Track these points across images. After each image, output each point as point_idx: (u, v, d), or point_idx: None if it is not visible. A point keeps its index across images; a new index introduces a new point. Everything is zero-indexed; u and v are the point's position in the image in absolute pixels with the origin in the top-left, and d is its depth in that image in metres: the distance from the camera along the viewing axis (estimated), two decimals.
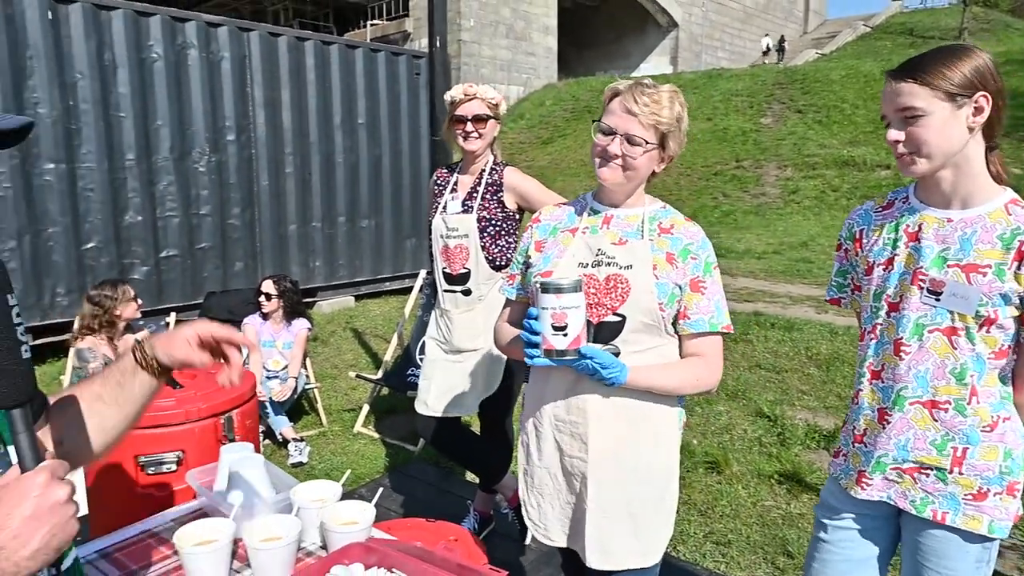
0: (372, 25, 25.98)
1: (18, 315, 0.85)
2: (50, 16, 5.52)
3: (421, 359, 4.47)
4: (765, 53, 31.50)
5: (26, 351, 0.85)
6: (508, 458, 2.95)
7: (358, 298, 8.05)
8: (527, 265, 1.78)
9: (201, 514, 1.63)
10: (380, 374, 4.65)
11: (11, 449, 0.88)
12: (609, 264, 1.64)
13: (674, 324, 1.66)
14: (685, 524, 3.24)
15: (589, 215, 1.74)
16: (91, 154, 5.85)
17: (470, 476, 3.75)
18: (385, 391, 4.75)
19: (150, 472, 2.19)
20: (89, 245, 5.92)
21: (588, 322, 1.58)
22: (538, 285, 1.48)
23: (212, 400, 2.36)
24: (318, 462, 4.03)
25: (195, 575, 1.33)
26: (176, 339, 1.08)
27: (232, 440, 2.29)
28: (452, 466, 3.91)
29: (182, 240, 6.48)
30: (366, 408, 4.56)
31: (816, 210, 13.04)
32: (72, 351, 3.75)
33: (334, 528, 1.43)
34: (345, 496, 1.61)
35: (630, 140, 1.59)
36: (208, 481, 1.68)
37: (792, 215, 12.98)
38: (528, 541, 2.99)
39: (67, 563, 0.92)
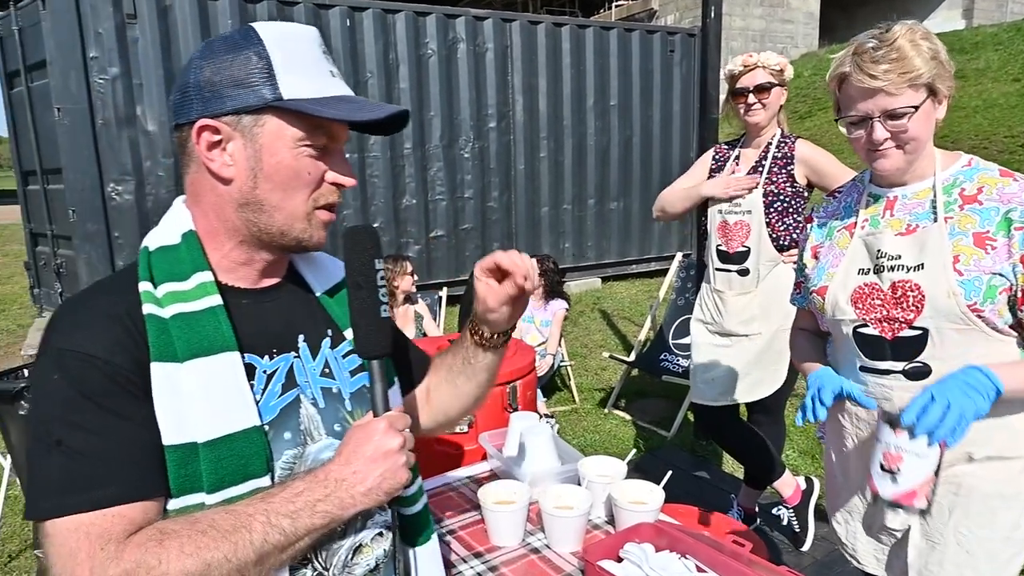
0: (617, 6, 25.88)
1: (382, 278, 0.94)
2: (348, 23, 6.31)
3: (675, 344, 4.39)
4: None
5: (384, 311, 0.93)
6: (779, 453, 2.75)
7: (604, 280, 8.13)
8: (806, 276, 1.55)
9: (493, 475, 1.74)
10: (632, 356, 4.64)
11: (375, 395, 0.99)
12: (892, 268, 1.35)
13: (1012, 310, 1.30)
14: None
15: (868, 203, 1.44)
16: (377, 144, 6.60)
17: (728, 467, 3.59)
18: (636, 373, 4.73)
19: (446, 432, 2.40)
20: (375, 225, 6.70)
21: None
22: (882, 412, 1.28)
23: (500, 370, 2.49)
24: (571, 438, 4.14)
25: (496, 531, 1.41)
26: (483, 300, 1.06)
27: (515, 409, 2.43)
28: (707, 454, 3.77)
29: (448, 222, 7.08)
30: (618, 389, 4.59)
31: None
32: None
33: (624, 506, 1.42)
34: None
35: (891, 116, 1.28)
36: (498, 444, 1.78)
37: None
38: (805, 548, 2.76)
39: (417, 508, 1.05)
